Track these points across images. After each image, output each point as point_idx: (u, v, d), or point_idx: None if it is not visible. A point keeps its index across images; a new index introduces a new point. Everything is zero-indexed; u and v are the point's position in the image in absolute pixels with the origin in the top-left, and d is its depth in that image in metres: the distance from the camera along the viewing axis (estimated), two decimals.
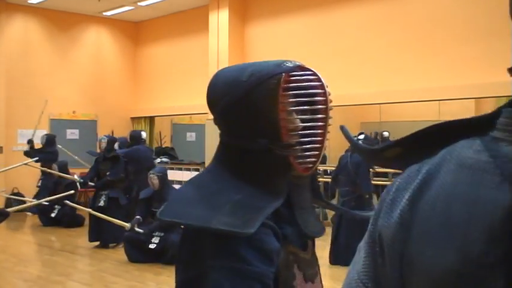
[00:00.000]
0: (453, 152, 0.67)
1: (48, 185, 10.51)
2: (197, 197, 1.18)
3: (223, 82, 1.26)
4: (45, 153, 10.69)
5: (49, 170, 10.51)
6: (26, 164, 9.59)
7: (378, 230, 0.71)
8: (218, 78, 1.29)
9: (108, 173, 8.37)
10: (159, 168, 7.73)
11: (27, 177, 11.76)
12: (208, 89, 1.30)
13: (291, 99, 1.19)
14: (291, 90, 1.19)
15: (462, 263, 0.59)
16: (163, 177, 7.38)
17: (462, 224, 0.60)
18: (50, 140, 11.18)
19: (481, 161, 0.62)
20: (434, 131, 0.72)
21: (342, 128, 1.02)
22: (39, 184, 11.25)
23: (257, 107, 1.20)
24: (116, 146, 9.06)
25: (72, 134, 13.43)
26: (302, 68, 1.23)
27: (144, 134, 10.09)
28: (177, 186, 12.67)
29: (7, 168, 9.70)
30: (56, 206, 10.09)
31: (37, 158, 9.98)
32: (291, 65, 1.21)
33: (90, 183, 8.54)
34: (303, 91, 1.20)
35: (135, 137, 9.77)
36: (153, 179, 7.30)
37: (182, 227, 1.21)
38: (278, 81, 1.18)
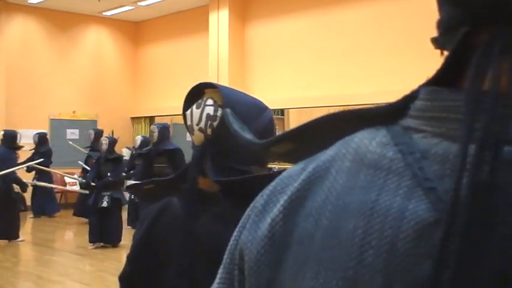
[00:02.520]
0: (349, 145, 0.49)
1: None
2: None
3: None
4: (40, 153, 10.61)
5: (53, 170, 10.52)
6: (30, 165, 9.58)
7: (240, 246, 0.52)
8: None
9: (109, 174, 8.37)
10: (161, 123, 8.49)
11: (27, 177, 11.75)
12: None
13: None
14: None
15: None
16: (162, 130, 8.04)
17: (354, 244, 0.43)
18: (42, 139, 11.11)
19: (386, 158, 0.45)
20: (334, 120, 0.53)
21: (225, 112, 0.86)
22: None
23: None
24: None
25: (72, 134, 13.44)
26: None
27: (18, 136, 9.18)
28: None
29: (9, 170, 9.68)
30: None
31: (42, 160, 9.97)
32: None
33: (91, 183, 8.53)
34: None
35: (4, 137, 9.13)
36: (153, 131, 8.01)
37: None
38: None
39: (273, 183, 0.53)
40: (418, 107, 0.47)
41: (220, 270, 0.55)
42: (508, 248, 0.37)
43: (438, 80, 0.46)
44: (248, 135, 0.70)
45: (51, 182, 11.39)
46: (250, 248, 0.50)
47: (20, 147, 9.26)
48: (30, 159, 10.51)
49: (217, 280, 0.55)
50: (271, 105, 9.35)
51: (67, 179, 11.92)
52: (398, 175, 0.44)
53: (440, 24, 0.47)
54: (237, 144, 0.77)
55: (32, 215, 11.38)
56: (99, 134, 10.69)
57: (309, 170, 0.50)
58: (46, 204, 11.41)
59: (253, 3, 11.72)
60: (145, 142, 9.36)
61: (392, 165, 0.44)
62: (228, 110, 0.91)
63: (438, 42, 0.49)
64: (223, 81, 11.59)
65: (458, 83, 0.45)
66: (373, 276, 0.41)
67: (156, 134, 7.98)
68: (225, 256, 0.55)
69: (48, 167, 10.25)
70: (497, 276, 0.37)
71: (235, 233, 0.54)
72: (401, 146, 0.45)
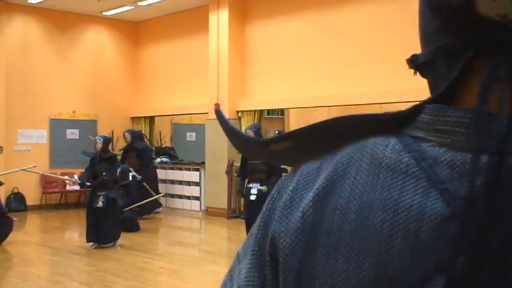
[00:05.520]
0: (364, 150, 0.57)
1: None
2: None
3: None
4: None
5: (47, 173, 10.51)
6: (25, 169, 9.57)
7: (271, 236, 0.60)
8: None
9: (104, 173, 8.34)
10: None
11: (27, 177, 11.76)
12: None
13: None
14: None
15: (380, 275, 0.51)
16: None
17: (383, 235, 0.51)
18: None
19: (402, 163, 0.54)
20: (333, 125, 0.61)
21: (217, 111, 0.87)
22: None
23: None
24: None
25: (72, 134, 13.44)
26: None
27: None
28: (177, 186, 12.70)
29: (8, 171, 9.69)
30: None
31: (35, 165, 9.95)
32: None
33: (86, 183, 8.50)
34: None
35: None
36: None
37: None
38: None
39: (292, 183, 0.61)
40: (425, 121, 0.55)
41: (248, 257, 0.63)
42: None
43: (441, 99, 0.55)
44: (245, 134, 0.75)
45: None
46: (283, 237, 0.58)
47: None
48: None
49: (247, 265, 0.62)
50: (271, 105, 9.40)
51: (66, 180, 11.93)
52: (415, 178, 0.52)
53: (439, 50, 0.56)
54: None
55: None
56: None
57: (329, 170, 0.58)
58: None
59: (253, 3, 11.72)
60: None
61: (409, 169, 0.53)
62: (218, 109, 0.92)
63: (415, 63, 0.60)
64: (223, 81, 11.59)
65: (455, 101, 0.55)
66: (401, 260, 0.50)
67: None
68: (251, 244, 0.63)
69: None
70: (506, 259, 0.46)
71: (258, 224, 0.63)
72: (413, 153, 0.54)
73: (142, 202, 10.35)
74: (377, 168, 0.55)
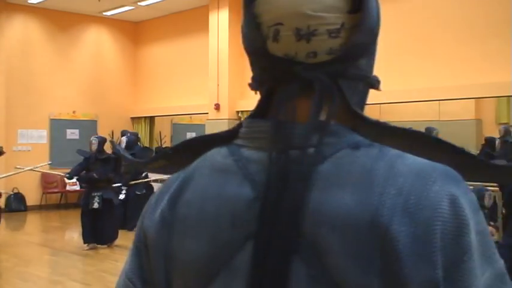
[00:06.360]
0: (205, 159, 0.79)
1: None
2: None
3: None
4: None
5: (42, 170, 10.47)
6: (32, 169, 9.55)
7: (143, 229, 0.80)
8: None
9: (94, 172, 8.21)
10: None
11: (28, 177, 11.76)
12: None
13: None
14: None
15: (213, 247, 0.71)
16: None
17: (213, 216, 0.72)
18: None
19: (226, 164, 0.75)
20: (194, 143, 0.86)
21: (113, 143, 1.22)
22: None
23: None
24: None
25: (72, 134, 13.44)
26: None
27: None
28: None
29: (12, 173, 9.67)
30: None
31: (50, 162, 9.86)
32: None
33: (74, 176, 8.41)
34: None
35: None
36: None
37: None
38: None
39: (160, 187, 0.82)
40: (243, 131, 0.77)
41: (131, 249, 0.82)
42: (295, 204, 0.66)
43: (255, 114, 0.77)
44: (129, 156, 1.05)
45: None
46: (149, 229, 0.78)
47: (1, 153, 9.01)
48: None
49: (130, 255, 0.82)
50: None
51: (66, 180, 11.91)
52: (234, 174, 0.73)
53: (254, 78, 0.78)
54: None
55: None
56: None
57: (181, 177, 0.79)
58: None
59: None
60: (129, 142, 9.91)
61: (230, 168, 0.74)
62: (113, 142, 1.22)
63: (252, 87, 0.79)
64: (223, 81, 11.59)
65: (267, 114, 0.76)
66: (225, 234, 0.71)
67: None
68: (134, 239, 0.82)
69: None
70: (291, 221, 0.66)
71: (138, 222, 0.82)
72: (234, 156, 0.75)
73: (149, 179, 10.19)
74: (212, 171, 0.76)
